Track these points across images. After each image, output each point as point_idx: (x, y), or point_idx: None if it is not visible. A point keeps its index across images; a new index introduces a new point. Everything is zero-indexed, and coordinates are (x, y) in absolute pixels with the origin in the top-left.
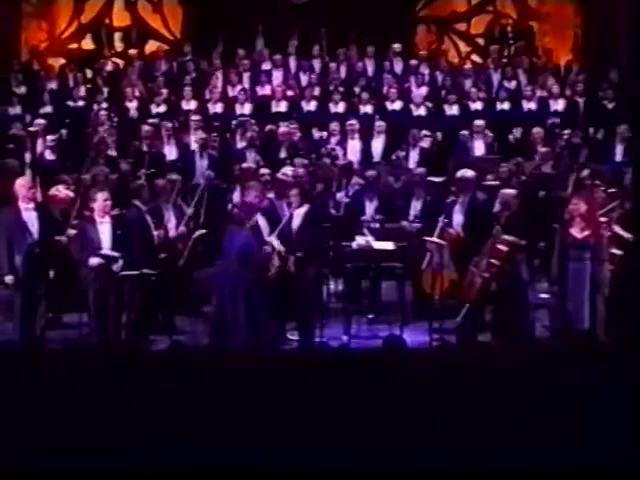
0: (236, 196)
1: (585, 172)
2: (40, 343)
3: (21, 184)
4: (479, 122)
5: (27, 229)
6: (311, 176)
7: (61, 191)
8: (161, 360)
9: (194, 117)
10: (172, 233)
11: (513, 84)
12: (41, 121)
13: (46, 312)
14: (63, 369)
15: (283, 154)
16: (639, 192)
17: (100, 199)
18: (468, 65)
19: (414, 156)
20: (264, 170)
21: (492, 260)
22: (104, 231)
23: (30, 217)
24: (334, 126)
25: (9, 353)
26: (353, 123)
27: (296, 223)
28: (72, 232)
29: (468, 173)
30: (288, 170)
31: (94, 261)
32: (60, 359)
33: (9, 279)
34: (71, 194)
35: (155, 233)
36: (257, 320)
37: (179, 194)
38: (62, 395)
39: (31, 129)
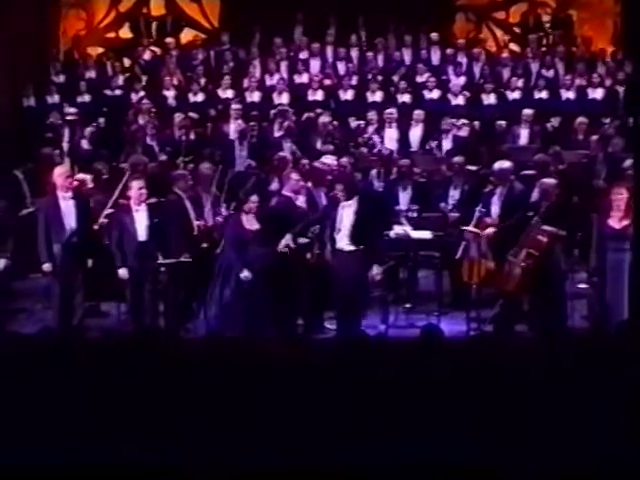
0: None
1: (628, 162)
2: (78, 331)
3: (59, 173)
4: (528, 111)
5: (65, 218)
6: (351, 166)
7: (79, 180)
8: (198, 348)
9: (234, 106)
10: (210, 222)
11: (551, 73)
12: (71, 110)
13: (84, 301)
14: (101, 357)
15: (320, 144)
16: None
17: (135, 187)
18: (506, 54)
19: (447, 145)
20: (305, 160)
21: (531, 250)
22: (140, 220)
23: (68, 206)
24: (371, 115)
25: (48, 341)
26: (392, 112)
27: (349, 219)
28: (103, 221)
29: (505, 164)
30: (328, 159)
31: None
32: (98, 347)
33: (47, 267)
34: (90, 184)
35: (196, 223)
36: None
37: (218, 183)
38: (100, 384)
39: (69, 118)
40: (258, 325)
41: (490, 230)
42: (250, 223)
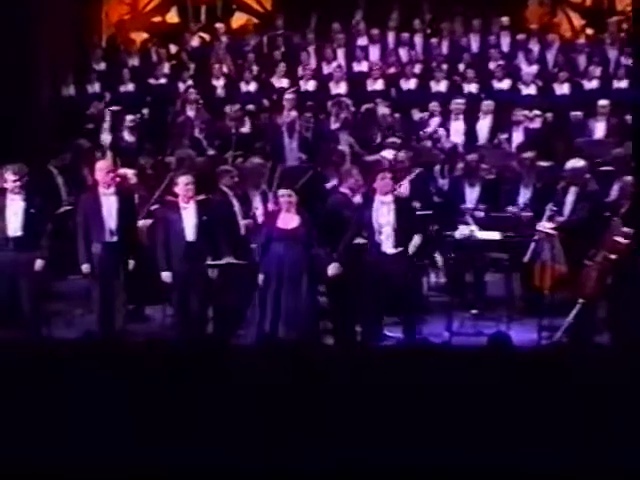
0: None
1: None
2: (121, 336)
3: (100, 168)
4: (603, 102)
5: (105, 216)
6: (411, 160)
7: (122, 175)
8: (248, 355)
9: (288, 96)
10: (259, 221)
11: (632, 61)
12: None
13: (126, 304)
14: (145, 365)
15: (379, 137)
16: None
17: (182, 183)
18: (582, 40)
19: (517, 138)
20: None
21: (609, 254)
22: (188, 218)
23: (109, 203)
24: (435, 106)
25: (88, 347)
26: (459, 102)
27: (384, 214)
28: (145, 221)
29: (579, 163)
30: (388, 153)
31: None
32: (142, 354)
33: (86, 268)
34: (133, 179)
35: (244, 222)
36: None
37: (269, 179)
38: (144, 393)
39: (112, 108)
40: (314, 331)
41: (560, 229)
42: (285, 221)
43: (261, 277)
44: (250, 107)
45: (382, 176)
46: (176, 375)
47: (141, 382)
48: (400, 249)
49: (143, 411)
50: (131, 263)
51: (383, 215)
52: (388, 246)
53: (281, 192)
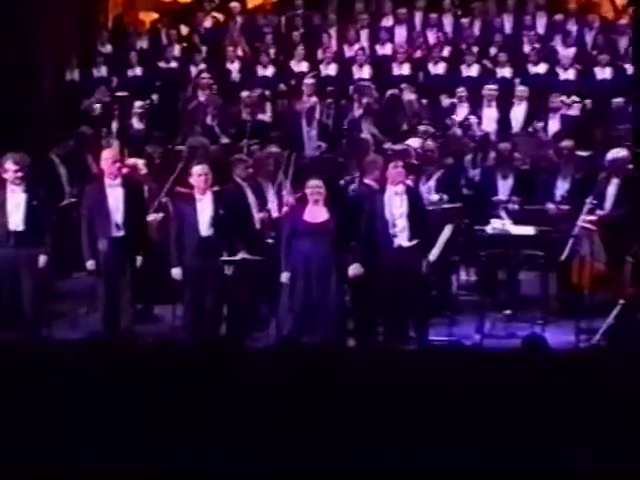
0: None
1: None
2: (127, 338)
3: (106, 157)
4: None
5: (112, 209)
6: (440, 149)
7: (130, 165)
8: (264, 359)
9: (307, 81)
10: (275, 215)
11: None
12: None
13: (133, 303)
14: (154, 367)
15: (405, 124)
16: None
17: (197, 173)
18: (624, 20)
19: (554, 126)
20: (388, 144)
21: None
22: (202, 210)
23: (115, 195)
24: (465, 92)
25: (94, 348)
26: (492, 88)
27: (397, 205)
28: (155, 215)
29: (621, 153)
30: (414, 142)
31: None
32: (150, 357)
33: (91, 265)
34: (143, 170)
35: (260, 215)
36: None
37: (285, 169)
38: (152, 397)
39: (119, 94)
40: (341, 332)
41: (601, 224)
42: (313, 214)
43: (286, 275)
44: (267, 93)
45: (394, 165)
46: (186, 379)
47: (149, 387)
48: (415, 242)
49: (150, 417)
50: (139, 259)
51: (396, 206)
52: (403, 239)
53: (311, 183)
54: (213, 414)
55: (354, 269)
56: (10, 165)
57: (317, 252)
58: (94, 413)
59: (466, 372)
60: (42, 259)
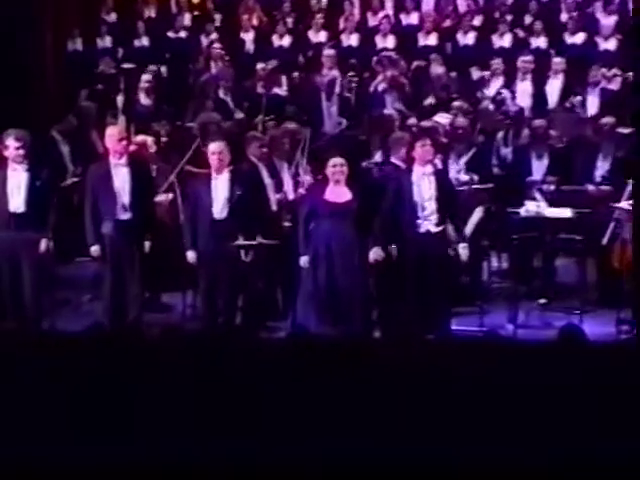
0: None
1: None
2: (135, 328)
3: (111, 134)
4: None
5: (118, 190)
6: (470, 127)
7: (137, 143)
8: (280, 351)
9: (327, 52)
10: (291, 196)
11: None
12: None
13: (141, 291)
14: (163, 361)
15: (432, 99)
16: None
17: (210, 151)
18: None
19: (593, 101)
20: (412, 120)
21: None
22: (217, 191)
23: (121, 175)
24: (498, 64)
25: (97, 340)
26: (527, 60)
27: (425, 187)
28: (164, 196)
29: None
30: (442, 118)
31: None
32: (159, 349)
33: (95, 250)
34: (153, 147)
35: (276, 197)
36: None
37: (303, 148)
38: (161, 392)
39: (125, 66)
40: (355, 323)
41: None
42: (335, 194)
43: (305, 259)
44: (283, 65)
45: (422, 143)
46: (197, 373)
47: (157, 381)
48: (442, 227)
49: (158, 414)
50: (147, 244)
51: (425, 188)
52: (431, 224)
53: (332, 161)
54: (225, 409)
55: (375, 253)
56: (12, 142)
57: (339, 234)
58: (97, 410)
59: (497, 365)
60: (44, 244)
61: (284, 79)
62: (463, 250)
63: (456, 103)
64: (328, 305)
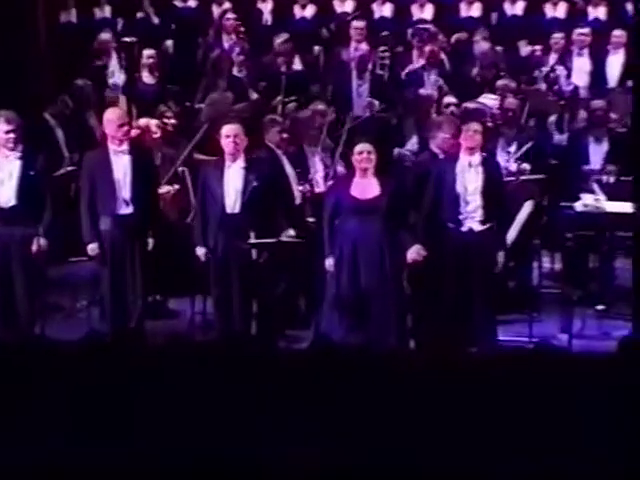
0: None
1: None
2: (137, 337)
3: (109, 118)
4: None
5: (118, 180)
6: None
7: (140, 127)
8: (302, 362)
9: (356, 23)
10: (320, 188)
11: None
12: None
13: (144, 295)
14: (168, 374)
15: (477, 77)
16: None
17: (224, 134)
18: None
19: None
20: (450, 99)
21: None
22: (230, 180)
23: (122, 164)
24: (552, 38)
25: (95, 349)
26: (583, 32)
27: (471, 178)
28: (169, 187)
29: None
30: (488, 99)
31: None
32: (164, 360)
33: (92, 248)
34: (157, 133)
35: (299, 188)
36: None
37: (331, 133)
38: (164, 405)
39: (126, 39)
40: (387, 333)
41: None
42: (361, 188)
43: (330, 261)
44: (305, 38)
45: (466, 127)
46: (208, 388)
47: (161, 398)
48: (488, 225)
49: (164, 428)
50: (150, 242)
51: (470, 180)
52: (475, 221)
53: (358, 148)
54: (239, 430)
55: (414, 252)
56: (2, 125)
57: (366, 234)
58: (93, 432)
59: (550, 380)
60: (37, 241)
61: (307, 55)
62: (501, 258)
63: (500, 82)
64: (356, 312)
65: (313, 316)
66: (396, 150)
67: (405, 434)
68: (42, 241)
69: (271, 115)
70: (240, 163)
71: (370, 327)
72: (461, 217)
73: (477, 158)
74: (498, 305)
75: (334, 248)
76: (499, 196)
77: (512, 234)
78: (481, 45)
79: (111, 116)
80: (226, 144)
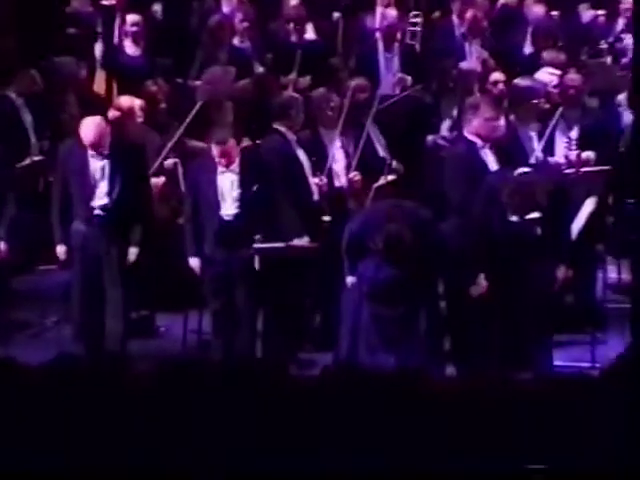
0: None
1: None
2: (116, 360)
3: (88, 128)
4: None
5: (94, 173)
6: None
7: (121, 108)
8: (319, 391)
9: None
10: (341, 181)
11: None
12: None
13: (126, 310)
14: (156, 402)
15: (529, 48)
16: None
17: (214, 142)
18: None
19: None
20: (497, 75)
21: None
22: (225, 186)
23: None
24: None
25: (69, 374)
26: None
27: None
28: (156, 181)
29: None
30: (546, 74)
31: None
32: (150, 388)
33: (61, 252)
34: (141, 115)
35: (314, 180)
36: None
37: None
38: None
39: (104, 2)
40: (422, 356)
41: None
42: None
43: (352, 279)
44: (322, 1)
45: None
46: (205, 420)
47: (147, 431)
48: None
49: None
50: (134, 252)
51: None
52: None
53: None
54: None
55: (480, 286)
56: None
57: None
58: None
59: (616, 411)
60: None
61: (322, 22)
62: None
63: (554, 53)
64: (385, 332)
65: (331, 336)
66: (430, 137)
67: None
68: (2, 245)
69: (286, 93)
70: (234, 168)
71: (402, 350)
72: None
73: None
74: (555, 322)
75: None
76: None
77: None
78: (534, 10)
79: (89, 127)
80: (217, 154)
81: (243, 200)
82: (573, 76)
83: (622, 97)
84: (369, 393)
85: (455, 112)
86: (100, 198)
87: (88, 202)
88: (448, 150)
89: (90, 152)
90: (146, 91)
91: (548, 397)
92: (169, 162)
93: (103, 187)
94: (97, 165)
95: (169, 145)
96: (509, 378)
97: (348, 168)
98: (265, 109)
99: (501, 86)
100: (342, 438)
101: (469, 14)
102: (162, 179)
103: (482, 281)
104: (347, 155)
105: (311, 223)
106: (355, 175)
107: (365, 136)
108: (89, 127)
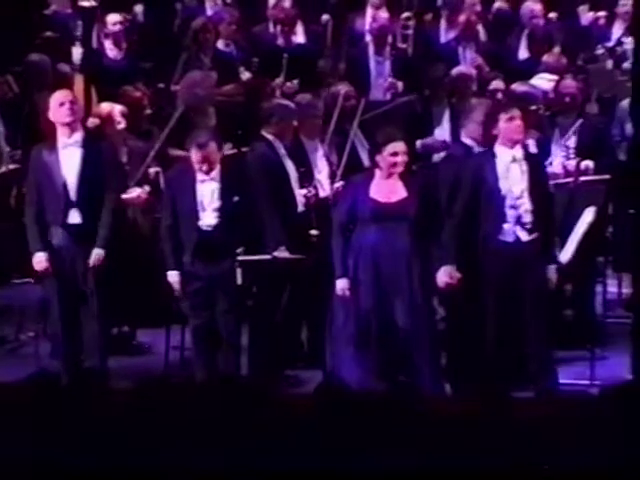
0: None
1: None
2: (96, 378)
3: (60, 101)
4: None
5: (67, 181)
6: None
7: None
8: (307, 410)
9: None
10: (325, 190)
11: None
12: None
13: (105, 326)
14: (138, 421)
15: (524, 50)
16: None
17: (192, 149)
18: None
19: None
20: (497, 83)
21: None
22: (205, 197)
23: (73, 160)
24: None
25: (46, 392)
26: None
27: (516, 177)
28: (137, 191)
29: None
30: (544, 80)
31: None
32: (134, 404)
33: (39, 261)
34: (122, 122)
35: (302, 192)
36: None
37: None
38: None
39: (84, 4)
40: (416, 375)
41: None
42: (385, 190)
43: (343, 283)
44: (311, 3)
45: (509, 115)
46: (187, 441)
47: (128, 451)
48: (535, 235)
49: None
50: (99, 253)
51: (515, 179)
52: (522, 230)
53: (393, 147)
54: None
55: (445, 274)
56: None
57: (390, 248)
58: None
59: (617, 431)
60: None
61: (311, 24)
62: (553, 274)
63: (551, 58)
64: (376, 348)
65: (320, 353)
66: (419, 142)
67: None
68: None
69: (275, 100)
70: (214, 176)
71: (395, 368)
72: (505, 226)
73: (519, 152)
74: (553, 338)
75: (348, 266)
76: (549, 198)
77: (569, 250)
78: (530, 12)
79: (61, 98)
80: (196, 159)
81: (224, 211)
82: (568, 82)
83: (626, 103)
84: (360, 412)
85: (447, 117)
86: (71, 205)
87: (61, 207)
88: (445, 154)
89: (61, 140)
90: (129, 96)
91: (546, 416)
92: (151, 171)
93: (72, 192)
94: (70, 160)
95: (152, 153)
96: (505, 397)
97: (332, 177)
98: (253, 115)
99: (500, 95)
100: (332, 459)
101: (461, 17)
102: (146, 189)
103: (451, 271)
104: (330, 164)
105: (295, 235)
106: (342, 185)
107: (350, 145)
108: (59, 97)
